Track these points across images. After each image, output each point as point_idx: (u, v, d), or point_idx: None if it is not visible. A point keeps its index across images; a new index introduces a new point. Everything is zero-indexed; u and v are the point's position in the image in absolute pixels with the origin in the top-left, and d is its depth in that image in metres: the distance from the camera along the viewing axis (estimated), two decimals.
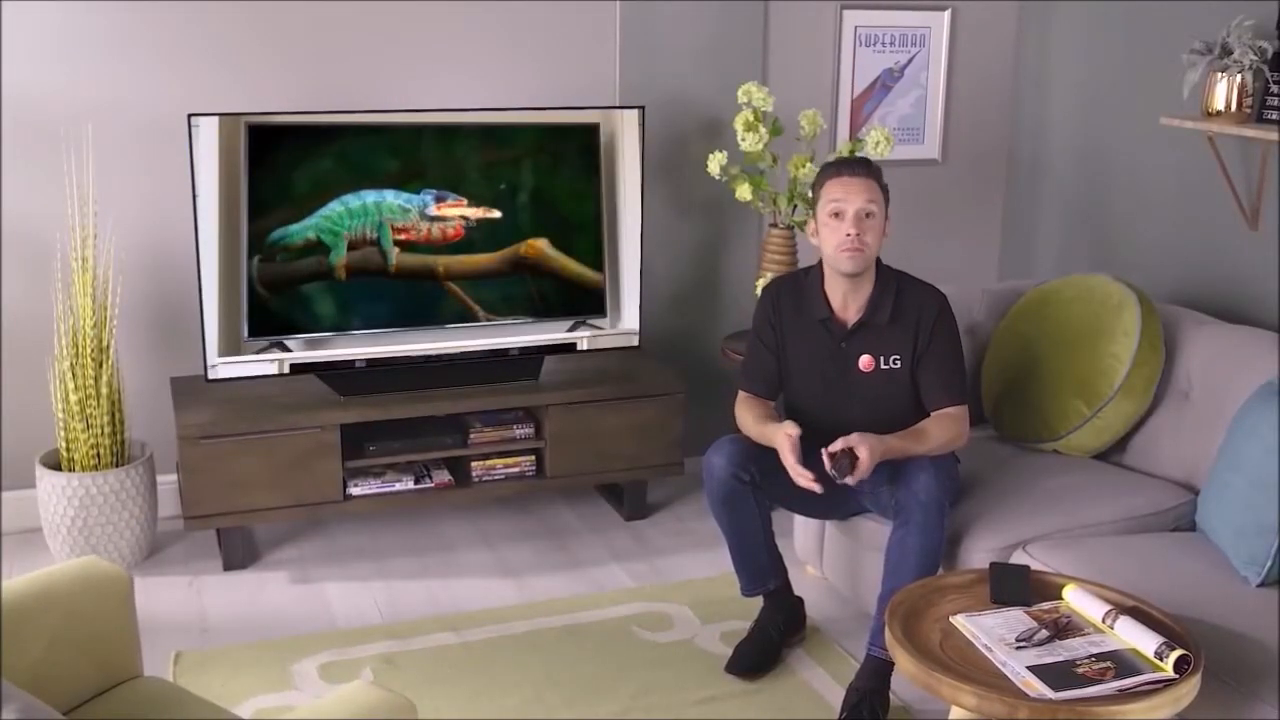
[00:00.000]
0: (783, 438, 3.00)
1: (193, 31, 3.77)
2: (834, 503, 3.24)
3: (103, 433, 3.61)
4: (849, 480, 2.91)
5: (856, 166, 3.07)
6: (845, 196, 3.02)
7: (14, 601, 2.15)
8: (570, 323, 4.01)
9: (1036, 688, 2.26)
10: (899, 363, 3.11)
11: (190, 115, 3.50)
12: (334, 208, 3.69)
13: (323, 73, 3.90)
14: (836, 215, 3.03)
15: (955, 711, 2.46)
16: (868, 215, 3.02)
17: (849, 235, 3.00)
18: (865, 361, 3.11)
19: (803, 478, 2.95)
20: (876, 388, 3.12)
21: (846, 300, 3.12)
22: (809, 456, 2.98)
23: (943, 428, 3.06)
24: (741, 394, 3.23)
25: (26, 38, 3.63)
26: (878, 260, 3.13)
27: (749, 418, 3.17)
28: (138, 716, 2.19)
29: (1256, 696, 2.45)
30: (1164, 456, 3.38)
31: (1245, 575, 2.81)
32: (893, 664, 2.89)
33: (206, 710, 2.21)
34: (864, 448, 2.90)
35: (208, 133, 3.52)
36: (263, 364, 3.72)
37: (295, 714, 2.09)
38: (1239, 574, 2.82)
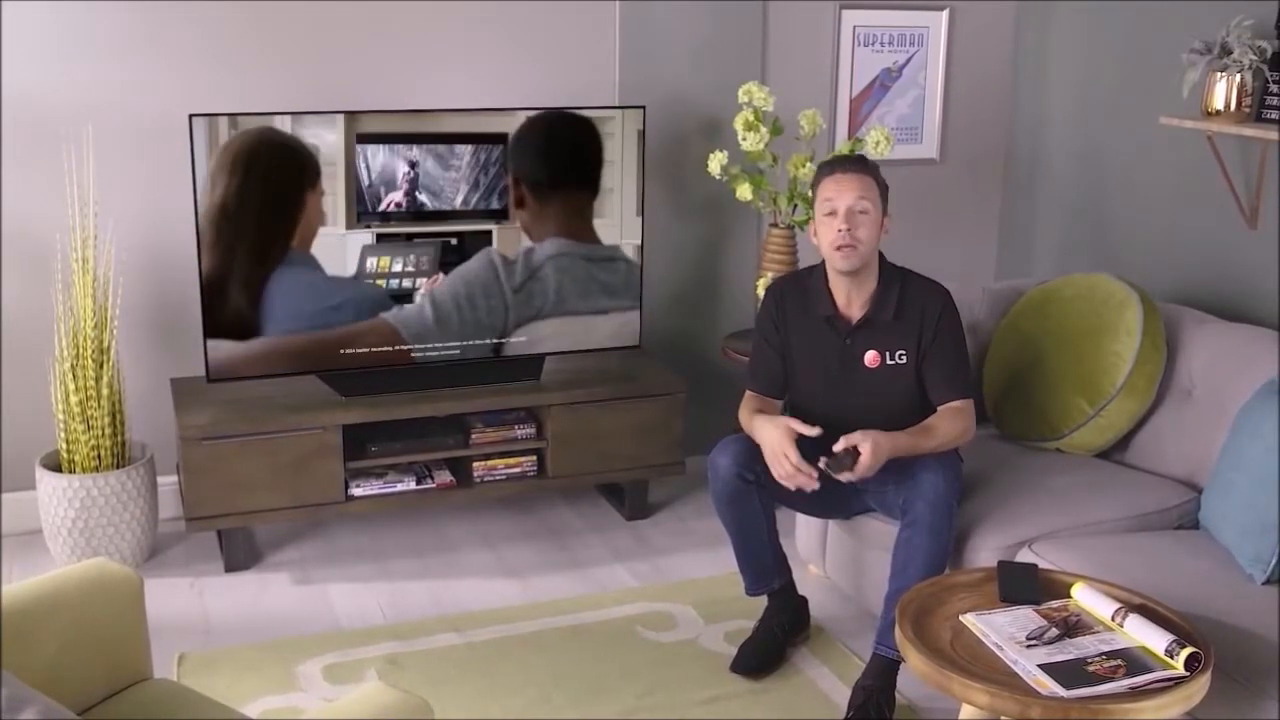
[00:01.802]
0: (771, 436, 2.99)
1: (193, 31, 3.76)
2: (838, 502, 3.24)
3: (103, 434, 3.60)
4: (843, 478, 2.91)
5: (849, 164, 3.08)
6: (838, 194, 3.04)
7: (25, 604, 2.14)
8: None
9: (1048, 686, 2.26)
10: (904, 358, 3.11)
11: (191, 115, 3.50)
12: None
13: (323, 73, 3.89)
14: (831, 213, 3.05)
15: (966, 710, 2.46)
16: (861, 211, 3.02)
17: (840, 231, 3.01)
18: (871, 357, 3.12)
19: (781, 468, 2.95)
20: (881, 384, 3.12)
21: (850, 297, 3.13)
22: (812, 454, 2.99)
23: (950, 422, 3.06)
24: (748, 393, 3.23)
25: (26, 38, 3.61)
26: (881, 257, 3.13)
27: (747, 415, 3.17)
28: (150, 718, 2.18)
29: (1264, 694, 2.46)
30: (1167, 455, 3.39)
31: (1250, 573, 2.82)
32: (898, 662, 2.91)
33: (218, 711, 2.21)
34: (867, 444, 2.90)
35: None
36: None
37: (310, 714, 2.08)
38: (1244, 572, 2.84)
